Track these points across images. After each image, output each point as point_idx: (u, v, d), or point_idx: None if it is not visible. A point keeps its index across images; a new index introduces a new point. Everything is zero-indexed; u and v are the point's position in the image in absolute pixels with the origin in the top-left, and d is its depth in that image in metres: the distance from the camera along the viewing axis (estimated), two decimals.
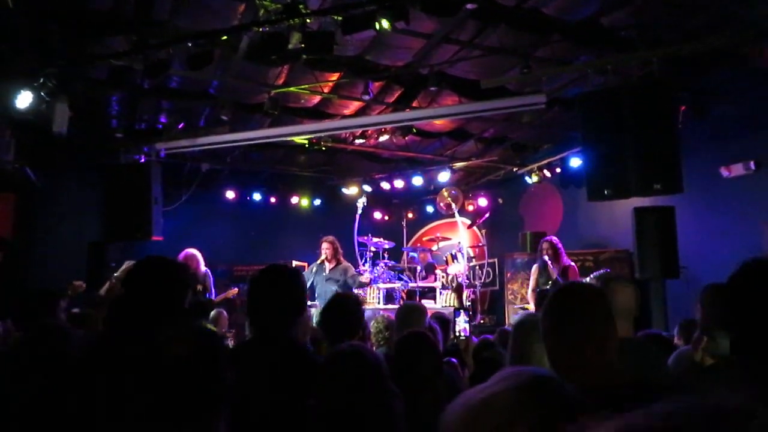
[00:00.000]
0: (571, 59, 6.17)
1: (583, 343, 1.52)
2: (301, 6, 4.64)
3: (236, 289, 7.55)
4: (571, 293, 1.68)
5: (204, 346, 1.49)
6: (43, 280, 6.97)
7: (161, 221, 7.30)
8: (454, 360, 3.37)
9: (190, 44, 5.12)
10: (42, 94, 5.39)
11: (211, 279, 7.22)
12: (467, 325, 3.39)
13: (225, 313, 6.74)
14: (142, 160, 7.75)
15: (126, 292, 2.05)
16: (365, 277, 7.86)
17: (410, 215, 11.46)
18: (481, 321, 9.10)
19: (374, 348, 3.54)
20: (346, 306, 2.84)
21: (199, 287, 6.83)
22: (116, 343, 1.90)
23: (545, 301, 1.68)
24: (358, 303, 2.96)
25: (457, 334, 3.40)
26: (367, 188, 10.38)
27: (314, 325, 4.27)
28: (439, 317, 4.08)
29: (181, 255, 7.13)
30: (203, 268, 7.14)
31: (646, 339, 2.85)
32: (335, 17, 4.64)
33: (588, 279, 6.80)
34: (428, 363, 2.40)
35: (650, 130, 5.44)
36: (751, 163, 6.95)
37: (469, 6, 4.66)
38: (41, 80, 5.39)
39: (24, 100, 5.38)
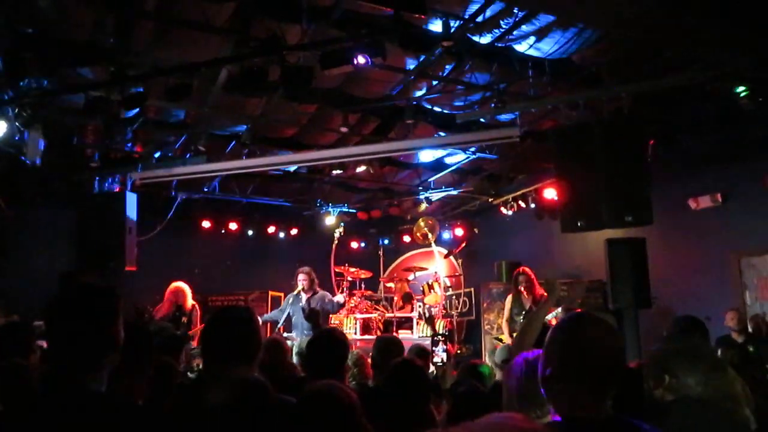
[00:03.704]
0: (543, 94, 6.34)
1: (593, 392, 1.55)
2: (280, 41, 4.71)
3: None
4: (587, 336, 1.65)
5: (249, 397, 1.41)
6: (12, 311, 6.82)
7: (135, 251, 7.20)
8: None
9: (168, 77, 5.13)
10: (17, 123, 5.34)
11: (198, 314, 7.12)
12: (445, 354, 3.42)
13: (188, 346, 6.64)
14: (116, 189, 7.67)
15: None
16: (340, 297, 7.81)
17: (387, 244, 11.49)
18: (458, 351, 9.10)
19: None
20: (332, 344, 2.82)
21: (185, 320, 6.74)
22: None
23: (556, 337, 1.67)
24: (345, 342, 2.93)
25: (436, 361, 3.42)
26: (344, 218, 10.41)
27: (294, 355, 4.24)
28: (419, 349, 4.09)
29: (170, 288, 7.06)
30: (191, 301, 7.06)
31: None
32: (314, 52, 4.72)
33: (559, 309, 6.86)
34: (418, 392, 2.40)
35: (621, 163, 5.58)
36: (718, 195, 7.18)
37: (445, 43, 4.78)
38: (16, 110, 5.35)
39: None
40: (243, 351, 2.12)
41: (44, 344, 3.54)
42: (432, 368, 3.53)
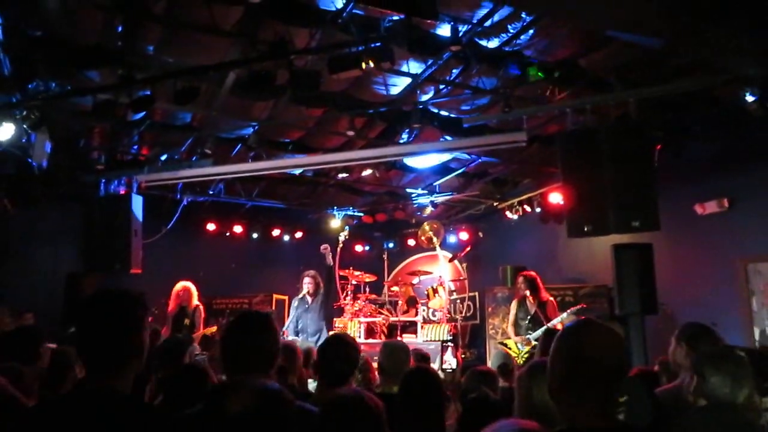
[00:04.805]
0: (550, 99, 6.33)
1: (600, 401, 1.54)
2: (288, 44, 4.72)
3: (215, 327, 7.43)
4: (590, 343, 1.63)
5: (270, 405, 1.42)
6: (23, 311, 6.86)
7: (140, 253, 7.21)
8: None
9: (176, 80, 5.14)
10: (24, 126, 5.35)
11: (202, 315, 7.10)
12: (454, 361, 3.41)
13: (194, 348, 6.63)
14: (122, 192, 7.68)
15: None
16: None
17: (391, 248, 11.47)
18: (463, 355, 9.09)
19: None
20: (344, 348, 2.80)
21: (187, 321, 6.71)
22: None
23: (561, 345, 1.65)
24: (356, 346, 2.92)
25: (445, 368, 3.40)
26: (349, 221, 10.41)
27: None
28: (419, 355, 4.06)
29: (176, 287, 7.06)
30: (195, 302, 7.05)
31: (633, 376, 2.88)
32: (322, 55, 4.72)
33: (565, 314, 6.86)
34: (434, 398, 2.39)
35: (627, 168, 5.58)
36: (725, 200, 7.14)
37: (453, 48, 4.77)
38: (24, 112, 5.35)
39: (5, 132, 5.33)
40: (263, 359, 2.12)
41: (53, 346, 3.55)
42: (441, 375, 3.52)
